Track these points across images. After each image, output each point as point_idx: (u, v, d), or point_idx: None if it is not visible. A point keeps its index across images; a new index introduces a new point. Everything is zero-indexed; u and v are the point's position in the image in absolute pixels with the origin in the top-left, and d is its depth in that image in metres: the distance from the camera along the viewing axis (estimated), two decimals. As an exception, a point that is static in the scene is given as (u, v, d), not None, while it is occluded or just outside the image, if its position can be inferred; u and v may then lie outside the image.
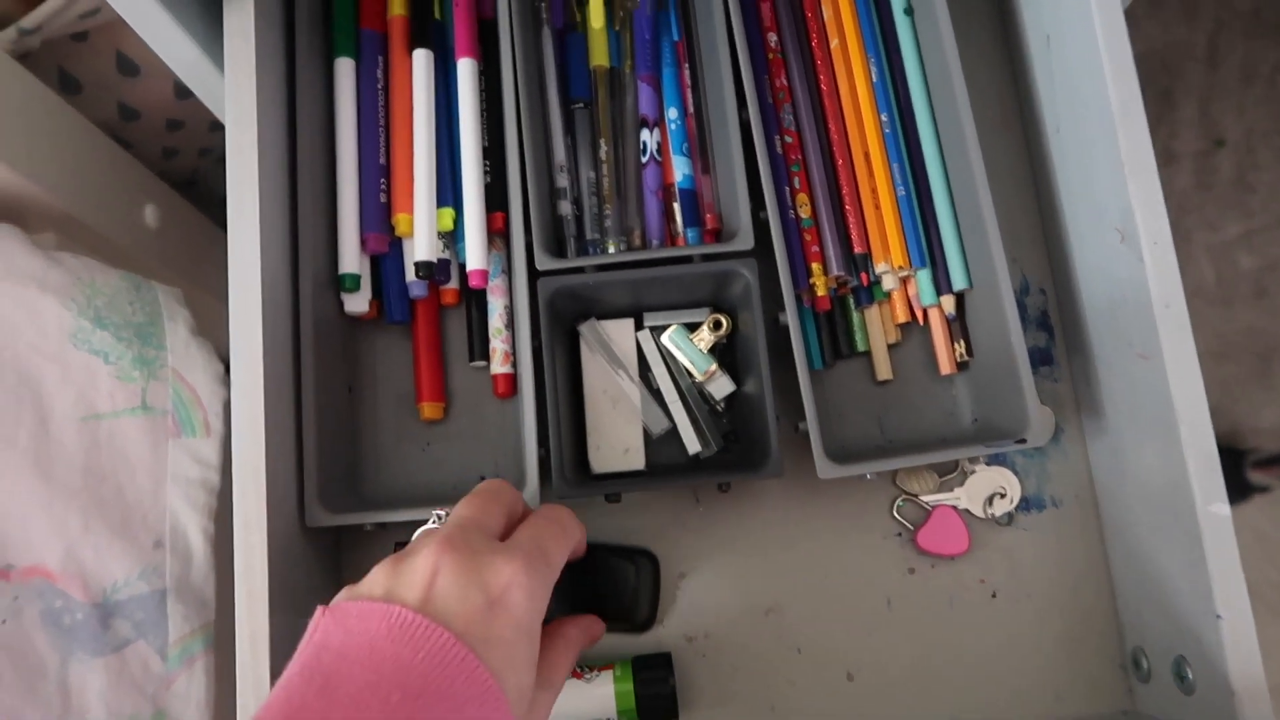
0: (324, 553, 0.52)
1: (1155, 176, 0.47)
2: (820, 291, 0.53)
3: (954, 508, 0.53)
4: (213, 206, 0.98)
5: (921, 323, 0.55)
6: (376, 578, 0.36)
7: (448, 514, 0.40)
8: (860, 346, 0.55)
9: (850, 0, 0.55)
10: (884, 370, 0.55)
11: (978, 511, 0.53)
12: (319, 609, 0.35)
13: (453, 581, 0.35)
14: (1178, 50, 1.29)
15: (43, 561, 0.58)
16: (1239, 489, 1.16)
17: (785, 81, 0.55)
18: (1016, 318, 0.49)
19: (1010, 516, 0.54)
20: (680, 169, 0.55)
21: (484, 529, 0.38)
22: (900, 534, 0.54)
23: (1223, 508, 0.44)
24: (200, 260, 0.88)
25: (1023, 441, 0.48)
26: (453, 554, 0.35)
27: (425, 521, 0.43)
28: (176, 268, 0.84)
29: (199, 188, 0.98)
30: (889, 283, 0.54)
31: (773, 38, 0.55)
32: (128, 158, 0.81)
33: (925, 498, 0.54)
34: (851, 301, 0.55)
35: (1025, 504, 0.55)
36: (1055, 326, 0.57)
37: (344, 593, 0.36)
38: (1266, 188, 1.27)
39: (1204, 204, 1.27)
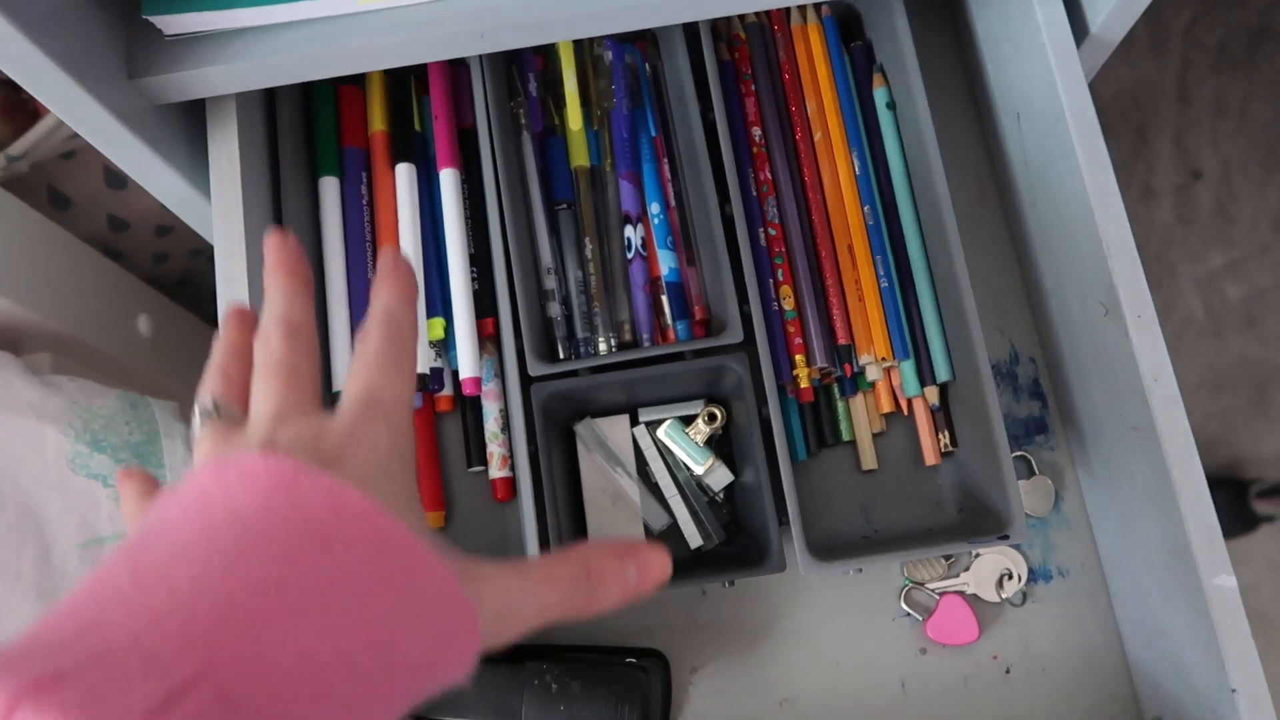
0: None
1: (1135, 254, 0.47)
2: (804, 383, 0.53)
3: (962, 594, 0.53)
4: (204, 303, 0.99)
5: (906, 413, 0.55)
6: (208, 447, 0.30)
7: (217, 405, 0.32)
8: (845, 435, 0.55)
9: (834, 94, 0.56)
10: (869, 460, 0.55)
11: (989, 596, 0.53)
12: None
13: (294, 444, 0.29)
14: (1148, 88, 1.31)
15: (50, 693, 0.58)
16: (1245, 520, 1.15)
17: (769, 174, 0.56)
18: (999, 416, 0.49)
19: (1024, 595, 0.54)
20: (666, 262, 0.56)
21: (300, 413, 0.30)
22: (910, 615, 0.54)
23: (1229, 580, 0.44)
24: (196, 363, 0.88)
25: (1005, 538, 0.48)
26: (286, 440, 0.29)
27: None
28: (173, 374, 0.85)
29: (190, 287, 0.98)
30: (873, 373, 0.54)
31: (757, 132, 0.56)
32: (118, 270, 0.82)
33: (933, 585, 0.53)
34: (836, 390, 0.55)
35: (1032, 576, 0.55)
36: (1048, 394, 0.57)
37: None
38: (1247, 217, 1.28)
39: (1187, 237, 1.28)
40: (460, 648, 0.27)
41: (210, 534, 0.25)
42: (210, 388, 0.33)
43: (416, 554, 0.26)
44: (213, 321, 0.96)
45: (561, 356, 0.55)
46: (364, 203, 0.56)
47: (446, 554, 0.28)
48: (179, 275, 0.96)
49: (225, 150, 0.50)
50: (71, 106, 0.43)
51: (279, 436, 0.29)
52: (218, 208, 0.49)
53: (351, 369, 0.32)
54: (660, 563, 0.32)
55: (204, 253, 0.94)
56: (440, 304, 0.55)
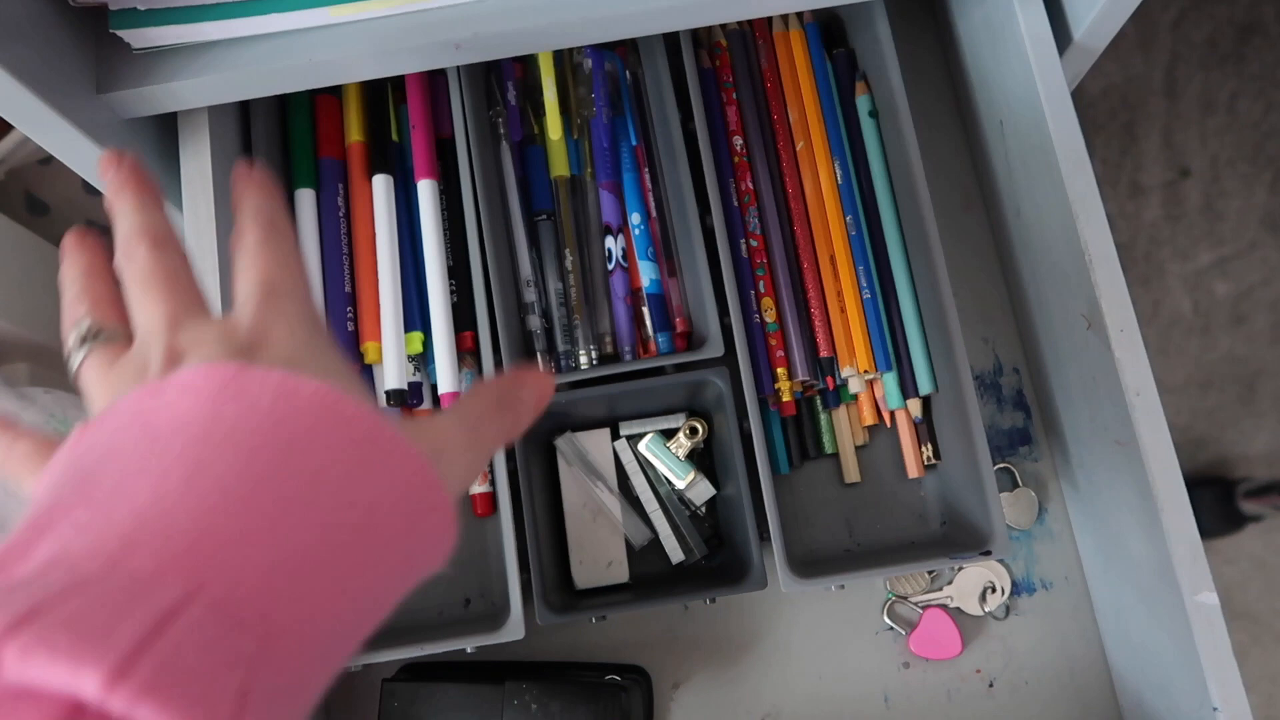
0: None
1: (1117, 265, 0.47)
2: (786, 396, 0.53)
3: (945, 607, 0.53)
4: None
5: (889, 424, 0.55)
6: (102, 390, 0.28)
7: (96, 328, 0.29)
8: (828, 448, 0.55)
9: (816, 103, 0.56)
10: (852, 472, 0.54)
11: (972, 609, 0.53)
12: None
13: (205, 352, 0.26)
14: (1137, 84, 1.30)
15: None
16: (1232, 519, 1.15)
17: (751, 184, 0.55)
18: (982, 432, 0.49)
19: (1007, 609, 0.53)
20: (647, 274, 0.55)
21: (194, 316, 0.28)
22: (893, 628, 0.54)
23: (1210, 597, 0.44)
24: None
25: (987, 554, 0.48)
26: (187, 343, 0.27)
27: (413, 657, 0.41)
28: (153, 381, 0.84)
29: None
30: (855, 386, 0.53)
31: (738, 141, 0.56)
32: (98, 277, 0.81)
33: (916, 598, 0.53)
34: (819, 403, 0.55)
35: (1016, 588, 0.54)
36: (1032, 405, 0.57)
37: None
38: (1235, 214, 1.28)
39: (1175, 234, 1.28)
40: (437, 525, 0.26)
41: (160, 448, 0.23)
42: (79, 312, 0.29)
43: (381, 434, 0.25)
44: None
45: (542, 370, 0.54)
46: (340, 215, 0.55)
47: (398, 422, 0.26)
48: (160, 279, 0.95)
49: (197, 164, 0.49)
50: (37, 122, 0.42)
51: (180, 342, 0.27)
52: (190, 222, 0.48)
53: (236, 267, 0.29)
54: (545, 379, 0.33)
55: (186, 256, 0.94)
56: (419, 317, 0.54)
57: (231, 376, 0.24)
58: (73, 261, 0.31)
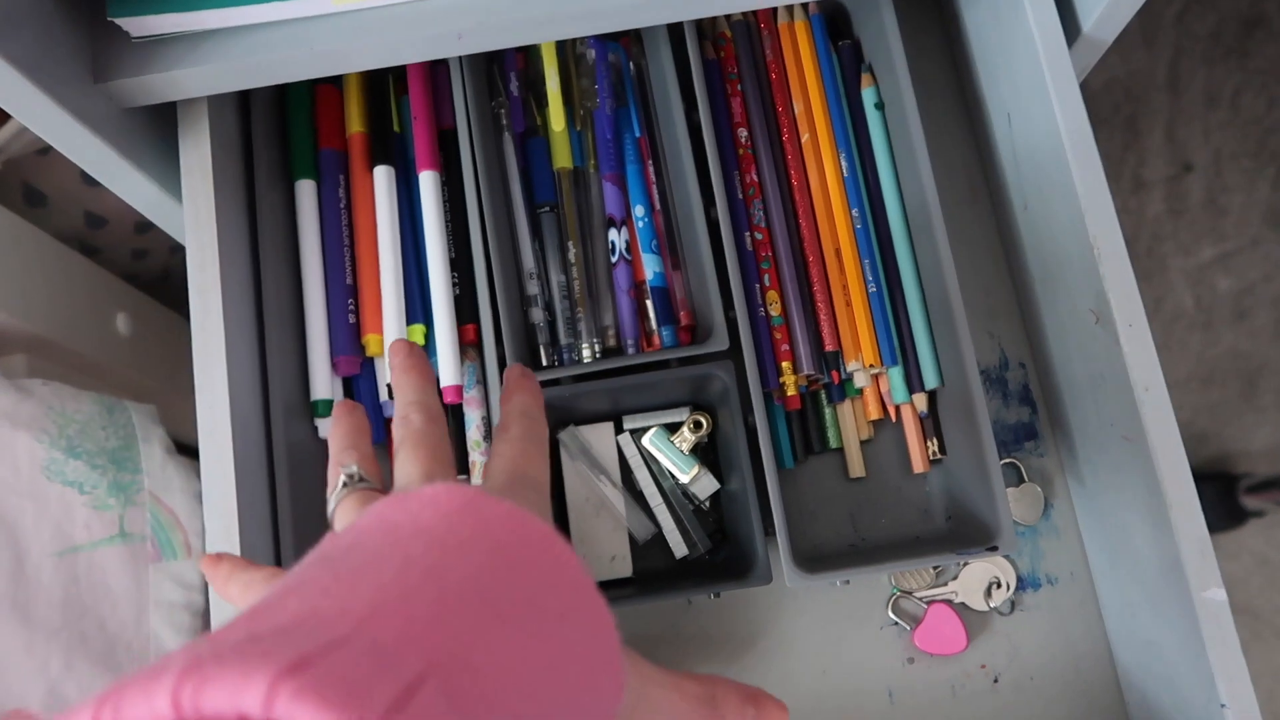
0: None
1: (1126, 259, 0.46)
2: (790, 391, 0.52)
3: (950, 603, 0.53)
4: (186, 301, 0.98)
5: (894, 419, 0.54)
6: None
7: (360, 474, 0.35)
8: (833, 443, 0.54)
9: (821, 95, 0.55)
10: (857, 467, 0.54)
11: (977, 605, 0.53)
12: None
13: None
14: (1140, 78, 1.30)
15: (25, 705, 0.57)
16: (1233, 515, 1.15)
17: (756, 177, 0.55)
18: (988, 426, 0.48)
19: (1012, 604, 0.53)
20: (650, 267, 0.55)
21: (446, 479, 0.33)
22: (897, 623, 0.53)
23: (1218, 593, 0.44)
24: (177, 363, 0.87)
25: (994, 549, 0.48)
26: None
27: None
28: (153, 373, 0.83)
29: (171, 283, 0.97)
30: (860, 380, 0.53)
31: (743, 133, 0.55)
32: (95, 269, 0.80)
33: (920, 593, 0.53)
34: (824, 397, 0.54)
35: (1021, 584, 0.54)
36: (1038, 400, 0.57)
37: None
38: (1238, 209, 1.27)
39: (1177, 229, 1.27)
40: (607, 700, 0.28)
41: (402, 546, 0.25)
42: (348, 459, 0.35)
43: (590, 589, 0.28)
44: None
45: (544, 363, 0.54)
46: (341, 206, 0.54)
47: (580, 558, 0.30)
48: (159, 271, 0.95)
49: (197, 154, 0.48)
50: (33, 111, 0.42)
51: None
52: (189, 213, 0.48)
53: (494, 451, 0.34)
54: (780, 716, 0.35)
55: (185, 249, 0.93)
56: (420, 310, 0.54)
57: (473, 499, 0.27)
58: (344, 421, 0.37)
